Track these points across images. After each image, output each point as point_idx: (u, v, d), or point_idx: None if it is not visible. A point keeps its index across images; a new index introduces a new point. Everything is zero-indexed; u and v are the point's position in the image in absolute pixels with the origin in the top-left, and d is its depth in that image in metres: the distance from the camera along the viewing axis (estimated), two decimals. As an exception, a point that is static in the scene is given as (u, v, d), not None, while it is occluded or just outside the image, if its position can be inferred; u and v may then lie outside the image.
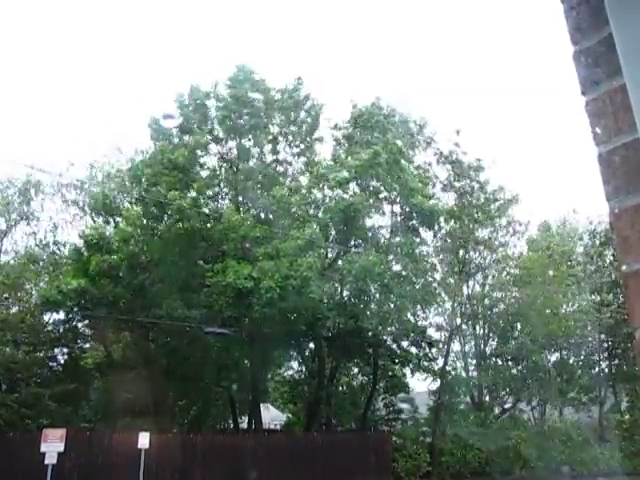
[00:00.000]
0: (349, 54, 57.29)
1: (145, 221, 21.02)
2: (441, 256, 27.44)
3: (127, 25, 55.85)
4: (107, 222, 22.52)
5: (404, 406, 28.58)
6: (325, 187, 22.77)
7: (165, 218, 20.64)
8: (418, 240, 24.27)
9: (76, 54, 50.48)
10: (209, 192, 22.60)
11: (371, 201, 22.86)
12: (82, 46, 52.22)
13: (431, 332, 26.44)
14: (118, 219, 22.25)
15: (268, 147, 23.90)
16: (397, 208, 24.49)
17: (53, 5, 55.82)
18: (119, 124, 49.03)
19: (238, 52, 50.22)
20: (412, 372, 26.17)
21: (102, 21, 53.52)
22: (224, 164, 23.49)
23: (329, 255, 23.51)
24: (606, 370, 31.20)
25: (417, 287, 23.12)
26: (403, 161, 23.27)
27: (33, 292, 23.11)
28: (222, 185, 23.56)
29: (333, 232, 22.39)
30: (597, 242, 31.66)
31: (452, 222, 26.08)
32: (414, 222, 23.60)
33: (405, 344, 25.38)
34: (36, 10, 48.79)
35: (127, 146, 25.11)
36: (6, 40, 45.61)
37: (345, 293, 23.53)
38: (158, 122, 22.49)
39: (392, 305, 22.79)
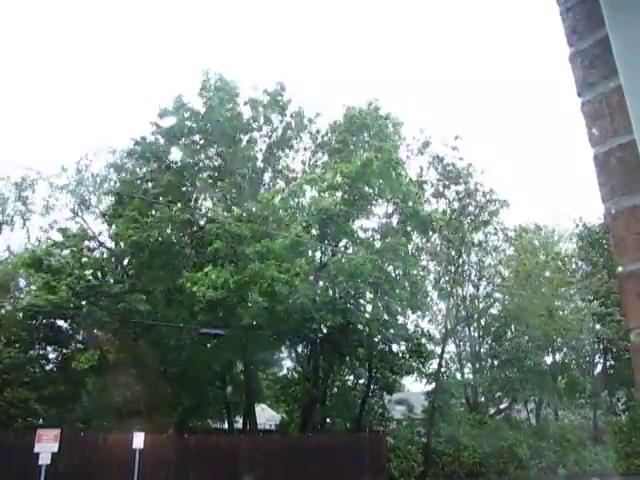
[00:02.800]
0: (339, 54, 57.33)
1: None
2: (435, 259, 27.40)
3: (113, 32, 55.72)
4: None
5: (399, 407, 28.59)
6: (314, 191, 22.86)
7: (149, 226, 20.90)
8: (411, 244, 24.32)
9: (63, 60, 50.34)
10: (202, 198, 22.84)
11: (364, 200, 22.91)
12: (68, 54, 52.06)
13: (425, 334, 26.38)
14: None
15: (251, 152, 24.00)
16: (390, 211, 24.58)
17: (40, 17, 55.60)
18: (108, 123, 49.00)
19: (229, 54, 50.12)
20: (405, 374, 26.10)
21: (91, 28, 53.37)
22: (209, 170, 23.63)
23: (319, 256, 23.51)
24: (601, 372, 31.30)
25: (410, 289, 23.11)
26: (398, 167, 23.34)
27: (26, 292, 23.04)
28: (207, 189, 23.64)
29: (319, 233, 22.45)
30: (588, 245, 31.80)
31: (445, 226, 25.97)
32: (408, 226, 23.67)
33: (398, 346, 25.31)
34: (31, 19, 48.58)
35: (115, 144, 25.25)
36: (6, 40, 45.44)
37: (337, 294, 23.52)
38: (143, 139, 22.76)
39: (384, 307, 22.79)
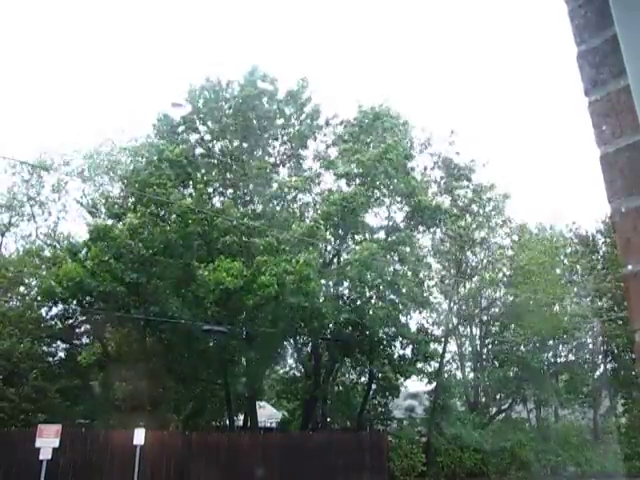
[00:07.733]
0: (350, 54, 57.29)
1: (145, 219, 20.81)
2: (438, 256, 27.38)
3: (131, 22, 55.81)
4: (117, 216, 21.95)
5: (400, 406, 28.56)
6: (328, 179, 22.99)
7: (165, 216, 20.68)
8: (419, 238, 24.35)
9: (85, 46, 50.49)
10: (209, 189, 22.63)
11: (376, 193, 22.92)
12: (91, 38, 52.12)
13: (429, 334, 26.28)
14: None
15: (270, 146, 23.97)
16: (399, 206, 24.56)
17: None
18: (125, 114, 49.13)
19: (245, 50, 50.12)
20: (405, 376, 25.87)
21: (105, 20, 53.43)
22: (227, 160, 23.54)
23: (328, 252, 23.51)
24: (602, 372, 31.22)
25: (413, 287, 23.03)
26: (408, 162, 23.46)
27: (33, 285, 23.11)
28: (222, 181, 23.54)
29: (331, 228, 22.36)
30: (590, 245, 31.68)
31: (450, 222, 25.91)
32: (418, 220, 23.64)
33: (400, 346, 25.15)
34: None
35: (127, 136, 25.25)
36: (15, 32, 45.48)
37: (343, 292, 23.48)
38: (167, 117, 22.74)
39: (389, 305, 22.73)
